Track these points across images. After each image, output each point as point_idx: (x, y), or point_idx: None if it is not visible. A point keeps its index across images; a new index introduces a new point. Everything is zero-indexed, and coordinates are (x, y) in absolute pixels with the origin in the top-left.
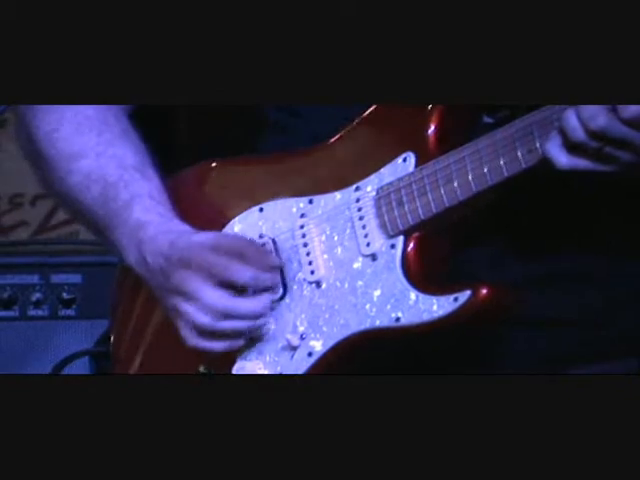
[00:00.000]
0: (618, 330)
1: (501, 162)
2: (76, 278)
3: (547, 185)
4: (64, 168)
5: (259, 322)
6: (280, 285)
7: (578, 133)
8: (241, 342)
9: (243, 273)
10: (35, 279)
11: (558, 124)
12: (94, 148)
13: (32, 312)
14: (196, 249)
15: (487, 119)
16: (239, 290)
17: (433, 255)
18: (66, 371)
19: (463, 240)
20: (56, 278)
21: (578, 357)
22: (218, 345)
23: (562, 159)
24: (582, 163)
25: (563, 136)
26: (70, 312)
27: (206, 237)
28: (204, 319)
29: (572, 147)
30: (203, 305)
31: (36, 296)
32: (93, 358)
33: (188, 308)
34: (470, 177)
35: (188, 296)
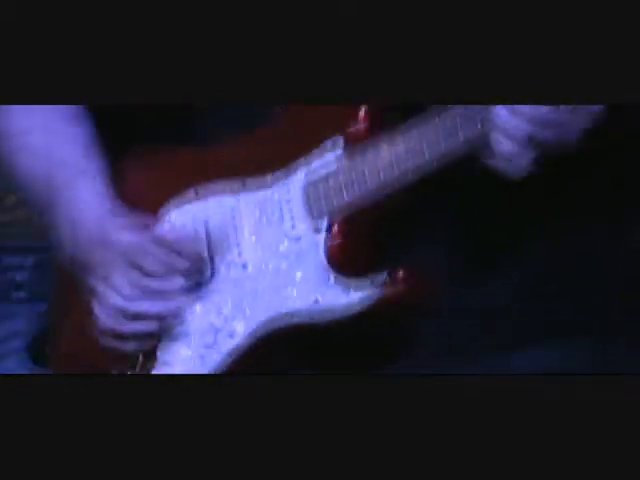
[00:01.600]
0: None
1: (424, 147)
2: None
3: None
4: (13, 144)
5: (170, 307)
6: (209, 267)
7: (506, 117)
8: (155, 327)
9: (156, 259)
10: None
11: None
12: (43, 124)
13: None
14: (126, 233)
15: None
16: (155, 275)
17: (357, 240)
18: None
19: (391, 225)
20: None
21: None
22: (132, 327)
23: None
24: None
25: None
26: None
27: (137, 221)
28: (115, 299)
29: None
30: (115, 287)
31: None
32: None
33: (102, 289)
34: (395, 162)
35: (105, 278)
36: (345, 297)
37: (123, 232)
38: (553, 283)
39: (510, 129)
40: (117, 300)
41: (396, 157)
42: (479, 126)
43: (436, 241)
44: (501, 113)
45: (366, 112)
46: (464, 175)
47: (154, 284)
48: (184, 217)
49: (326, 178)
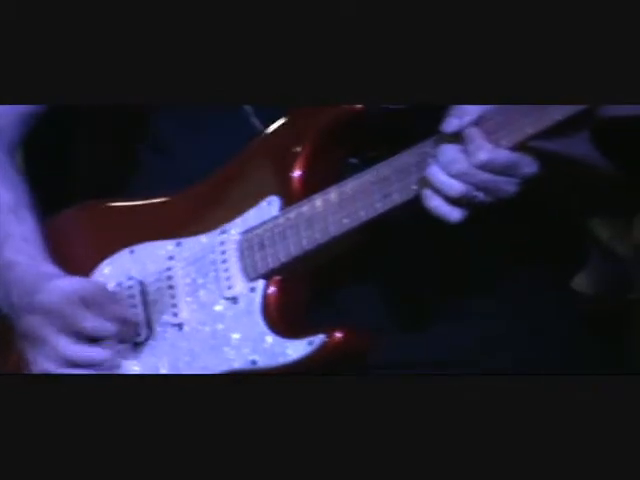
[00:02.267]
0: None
1: (359, 206)
2: None
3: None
4: None
5: (105, 369)
6: (145, 328)
7: (438, 177)
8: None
9: (87, 322)
10: None
11: (416, 169)
12: None
13: None
14: (54, 296)
15: (352, 160)
16: (90, 339)
17: (294, 299)
18: None
19: (331, 283)
20: None
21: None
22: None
23: (431, 202)
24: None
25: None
26: None
27: (67, 283)
28: (47, 365)
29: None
30: (48, 351)
31: None
32: None
33: (34, 354)
34: (330, 221)
35: (37, 341)
36: (282, 358)
37: (52, 294)
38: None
39: (443, 189)
40: (49, 366)
41: (332, 215)
42: (414, 187)
43: (372, 295)
44: (434, 172)
45: (301, 171)
46: (399, 227)
47: (89, 351)
48: (118, 276)
49: (262, 238)
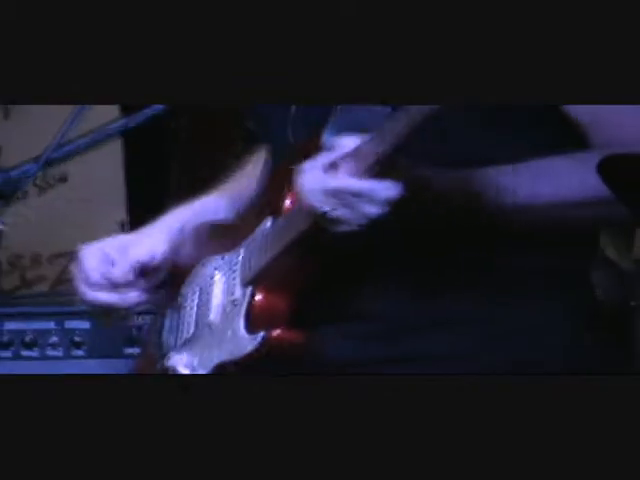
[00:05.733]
0: None
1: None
2: (85, 324)
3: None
4: None
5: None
6: (193, 326)
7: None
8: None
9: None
10: (52, 325)
11: None
12: None
13: (49, 353)
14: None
15: None
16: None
17: (272, 301)
18: None
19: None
20: (69, 324)
21: None
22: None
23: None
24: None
25: None
26: (80, 352)
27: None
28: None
29: None
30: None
31: (52, 339)
32: None
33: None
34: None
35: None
36: (244, 349)
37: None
38: None
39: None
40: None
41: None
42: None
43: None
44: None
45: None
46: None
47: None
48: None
49: (253, 248)
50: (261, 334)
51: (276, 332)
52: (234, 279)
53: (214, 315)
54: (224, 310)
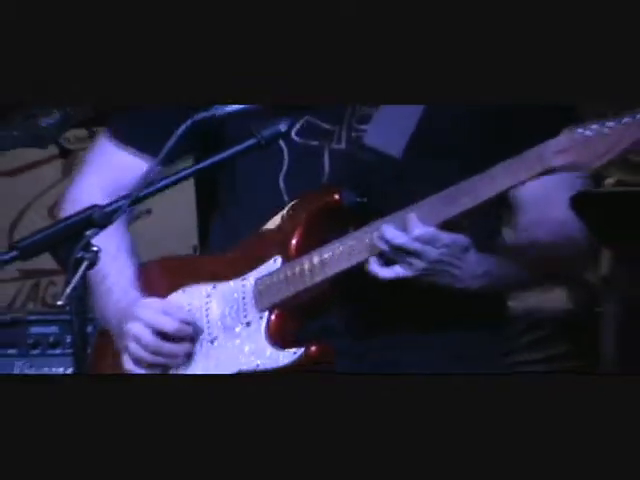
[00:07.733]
0: None
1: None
2: None
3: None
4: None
5: (176, 362)
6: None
7: (384, 247)
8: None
9: (169, 325)
10: None
11: (370, 242)
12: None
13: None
14: (142, 307)
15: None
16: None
17: (288, 323)
18: None
19: (316, 312)
20: None
21: None
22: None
23: (382, 272)
24: (396, 272)
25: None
26: None
27: (150, 300)
28: (141, 353)
29: (387, 261)
30: (141, 344)
31: None
32: None
33: (132, 346)
34: (320, 268)
35: (133, 338)
36: (276, 363)
37: (145, 308)
38: None
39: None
40: (143, 354)
41: (322, 265)
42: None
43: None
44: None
45: (296, 242)
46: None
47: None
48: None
49: (267, 283)
50: (301, 350)
51: (313, 348)
52: (244, 304)
53: (217, 332)
54: (230, 329)
